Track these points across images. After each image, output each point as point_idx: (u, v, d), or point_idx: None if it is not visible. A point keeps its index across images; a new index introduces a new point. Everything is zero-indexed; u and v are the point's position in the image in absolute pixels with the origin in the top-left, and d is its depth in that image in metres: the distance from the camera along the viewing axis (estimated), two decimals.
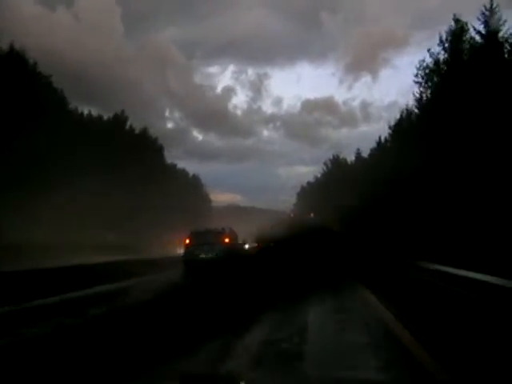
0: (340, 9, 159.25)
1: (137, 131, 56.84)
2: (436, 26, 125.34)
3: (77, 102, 51.90)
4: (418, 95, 32.23)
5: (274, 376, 4.24)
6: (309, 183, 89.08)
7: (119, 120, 53.88)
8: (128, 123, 55.14)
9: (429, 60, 28.13)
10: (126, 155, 48.43)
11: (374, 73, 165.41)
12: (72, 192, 36.53)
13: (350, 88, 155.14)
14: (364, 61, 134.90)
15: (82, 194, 38.01)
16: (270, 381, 3.52)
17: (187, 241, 18.72)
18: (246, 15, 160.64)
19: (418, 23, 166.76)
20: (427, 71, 27.67)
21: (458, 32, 25.29)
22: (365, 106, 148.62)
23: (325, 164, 71.99)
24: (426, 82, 28.71)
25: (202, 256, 17.92)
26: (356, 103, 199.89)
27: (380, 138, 59.27)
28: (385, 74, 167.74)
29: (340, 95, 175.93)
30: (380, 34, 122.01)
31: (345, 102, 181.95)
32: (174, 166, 76.65)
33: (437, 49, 27.65)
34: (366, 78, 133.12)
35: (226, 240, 19.10)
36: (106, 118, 54.63)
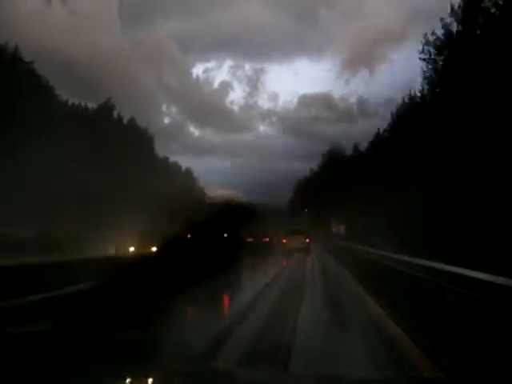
0: (337, 4, 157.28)
1: (125, 121, 54.48)
2: (433, 22, 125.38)
3: (71, 97, 50.55)
4: (425, 73, 29.51)
5: None
6: (305, 177, 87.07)
7: (105, 109, 51.49)
8: (116, 112, 52.80)
9: (440, 32, 25.93)
10: (111, 144, 46.03)
11: (371, 68, 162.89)
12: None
13: (347, 83, 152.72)
14: (361, 56, 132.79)
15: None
16: None
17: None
18: (243, 10, 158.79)
19: (416, 18, 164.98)
20: (438, 43, 25.36)
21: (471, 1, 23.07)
22: (362, 101, 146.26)
23: (322, 155, 70.10)
24: (435, 56, 26.30)
25: None
26: (353, 99, 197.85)
27: (379, 130, 57.16)
28: (382, 69, 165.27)
29: (337, 91, 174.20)
30: (377, 29, 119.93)
31: (342, 98, 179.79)
32: (166, 158, 74.49)
33: (448, 19, 25.65)
34: (363, 74, 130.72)
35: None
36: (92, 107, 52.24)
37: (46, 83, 45.20)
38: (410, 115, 38.03)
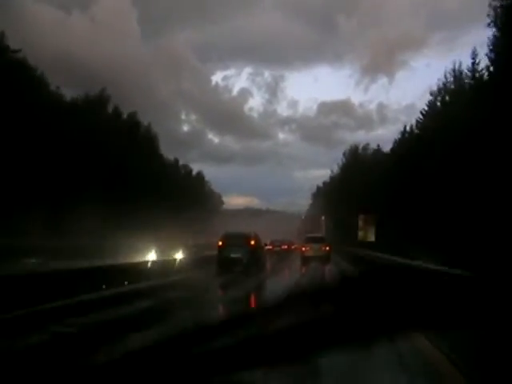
0: (356, 11, 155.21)
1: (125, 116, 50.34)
2: (453, 28, 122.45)
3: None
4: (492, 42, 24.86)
5: None
6: (325, 183, 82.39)
7: (100, 101, 47.31)
8: (111, 105, 48.70)
9: None
10: (106, 139, 41.87)
11: (391, 75, 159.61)
12: None
13: (366, 90, 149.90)
14: (380, 63, 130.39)
15: None
16: None
17: (220, 243, 21.79)
18: (262, 17, 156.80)
19: (435, 25, 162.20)
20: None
21: None
22: (381, 108, 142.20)
23: (343, 155, 64.95)
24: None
25: (232, 255, 20.88)
26: (372, 106, 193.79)
27: (405, 127, 52.01)
28: (402, 76, 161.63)
29: (356, 97, 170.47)
30: (397, 35, 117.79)
31: (361, 105, 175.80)
32: (177, 161, 70.21)
33: None
34: (383, 80, 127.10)
35: (252, 242, 21.91)
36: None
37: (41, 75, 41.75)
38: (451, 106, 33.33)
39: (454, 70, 36.15)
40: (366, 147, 60.27)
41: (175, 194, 60.72)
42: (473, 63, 33.54)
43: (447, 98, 37.09)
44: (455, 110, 30.30)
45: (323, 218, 53.93)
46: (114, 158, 44.23)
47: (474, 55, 32.94)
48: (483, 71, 31.37)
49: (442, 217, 29.44)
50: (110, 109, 49.62)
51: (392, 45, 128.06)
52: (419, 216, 32.25)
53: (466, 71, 34.41)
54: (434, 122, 36.31)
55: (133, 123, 51.02)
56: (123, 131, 47.98)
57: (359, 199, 48.28)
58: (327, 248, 29.74)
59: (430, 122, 38.42)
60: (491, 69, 27.49)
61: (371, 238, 38.49)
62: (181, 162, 69.87)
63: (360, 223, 39.81)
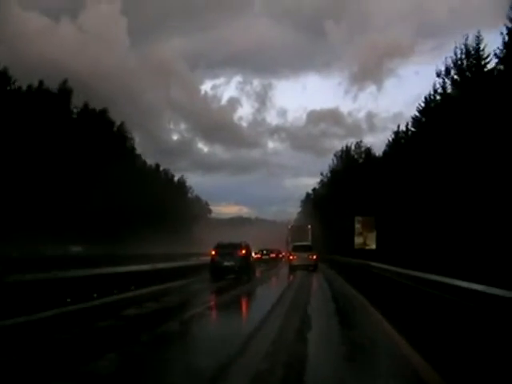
0: (345, 19, 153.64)
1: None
2: (441, 37, 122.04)
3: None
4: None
5: None
6: (314, 189, 78.86)
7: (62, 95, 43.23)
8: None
9: None
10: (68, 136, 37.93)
11: (380, 83, 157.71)
12: None
13: (355, 98, 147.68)
14: (369, 71, 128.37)
15: None
16: None
17: (213, 252, 22.96)
18: (250, 26, 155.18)
19: (424, 33, 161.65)
20: None
21: None
22: (370, 116, 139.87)
23: (335, 156, 60.78)
24: None
25: (225, 264, 22.18)
26: (361, 114, 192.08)
27: (399, 127, 48.56)
28: (390, 84, 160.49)
29: (345, 106, 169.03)
30: (385, 43, 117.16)
31: (350, 113, 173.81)
32: (157, 166, 65.83)
33: None
34: (372, 89, 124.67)
35: (243, 251, 23.11)
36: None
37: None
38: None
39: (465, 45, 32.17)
40: (359, 145, 56.83)
41: (154, 200, 56.92)
42: (477, 49, 30.64)
43: (457, 77, 33.72)
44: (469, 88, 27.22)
45: (309, 226, 49.65)
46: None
47: (479, 40, 30.17)
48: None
49: (448, 220, 26.21)
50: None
51: (380, 53, 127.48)
52: (424, 220, 28.81)
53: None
54: (439, 109, 32.83)
55: (105, 121, 46.99)
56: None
57: (353, 202, 44.76)
58: (314, 257, 29.94)
59: (433, 111, 35.04)
60: None
61: (371, 245, 31.91)
62: (175, 174, 67.90)
63: (357, 227, 32.37)
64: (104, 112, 47.78)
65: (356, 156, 55.77)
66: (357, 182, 46.71)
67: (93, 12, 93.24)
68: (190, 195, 78.52)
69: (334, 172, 59.21)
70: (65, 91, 43.48)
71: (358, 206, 43.70)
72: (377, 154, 53.56)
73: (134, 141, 55.01)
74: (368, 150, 54.52)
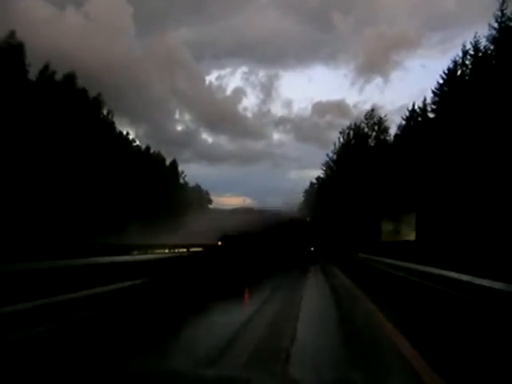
0: (352, 10, 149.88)
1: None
2: (449, 29, 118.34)
3: None
4: None
5: None
6: (318, 178, 73.14)
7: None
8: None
9: None
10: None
11: (386, 75, 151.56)
12: None
13: (361, 90, 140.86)
14: (375, 63, 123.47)
15: None
16: None
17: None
18: (256, 16, 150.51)
19: (431, 26, 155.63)
20: None
21: None
22: (376, 108, 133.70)
23: (341, 133, 52.99)
24: None
25: None
26: (367, 106, 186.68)
27: (414, 105, 42.68)
28: (396, 76, 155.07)
29: (351, 98, 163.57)
30: (392, 35, 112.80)
31: (355, 105, 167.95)
32: (148, 149, 60.20)
33: None
34: (378, 81, 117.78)
35: None
36: None
37: None
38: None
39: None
40: (370, 115, 49.83)
41: (140, 184, 51.66)
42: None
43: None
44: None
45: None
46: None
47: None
48: None
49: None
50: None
51: (387, 45, 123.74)
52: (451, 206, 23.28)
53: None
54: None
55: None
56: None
57: (364, 187, 39.27)
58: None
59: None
60: None
61: (409, 234, 23.33)
62: (180, 165, 63.19)
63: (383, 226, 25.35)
64: (72, 77, 42.11)
65: (367, 129, 49.82)
66: (368, 164, 41.19)
67: (98, 1, 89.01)
68: (181, 181, 73.06)
69: (340, 153, 52.80)
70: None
71: (369, 192, 38.61)
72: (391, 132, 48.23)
73: (112, 114, 49.28)
74: (381, 121, 48.76)
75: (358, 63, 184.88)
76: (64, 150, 38.33)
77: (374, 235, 28.85)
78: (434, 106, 37.94)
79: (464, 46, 29.73)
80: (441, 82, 35.29)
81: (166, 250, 29.39)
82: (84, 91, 42.37)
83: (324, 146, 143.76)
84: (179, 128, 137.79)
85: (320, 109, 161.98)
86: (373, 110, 51.17)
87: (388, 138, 48.78)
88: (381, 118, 49.73)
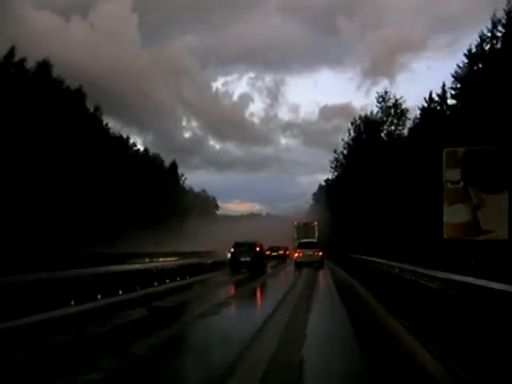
0: (357, 14, 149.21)
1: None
2: (455, 31, 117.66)
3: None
4: None
5: None
6: (327, 180, 69.61)
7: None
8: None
9: None
10: None
11: (392, 77, 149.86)
12: None
13: (367, 93, 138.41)
14: (381, 65, 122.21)
15: None
16: None
17: (232, 249, 27.19)
18: (262, 22, 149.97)
19: (437, 27, 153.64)
20: None
21: None
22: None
23: (352, 124, 47.99)
24: None
25: (242, 259, 26.39)
26: (374, 109, 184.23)
27: (431, 93, 38.53)
28: (402, 78, 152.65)
29: (358, 101, 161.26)
30: (398, 38, 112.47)
31: (362, 108, 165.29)
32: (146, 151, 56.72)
33: None
34: (384, 83, 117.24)
35: (257, 249, 27.57)
36: None
37: None
38: None
39: None
40: (383, 98, 43.80)
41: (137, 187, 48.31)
42: None
43: None
44: None
45: (315, 223, 46.96)
46: None
47: None
48: None
49: None
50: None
51: (393, 47, 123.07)
52: None
53: None
54: None
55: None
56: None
57: (377, 183, 35.55)
58: (320, 253, 30.40)
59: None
60: None
61: (498, 231, 14.00)
62: (180, 170, 64.93)
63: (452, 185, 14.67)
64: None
65: (381, 115, 44.67)
66: (381, 156, 37.46)
67: (103, 9, 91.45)
68: (181, 183, 69.77)
69: (351, 146, 48.54)
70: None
71: (383, 188, 35.04)
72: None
73: (101, 111, 45.87)
74: (397, 104, 43.54)
75: (363, 66, 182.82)
76: (53, 151, 35.04)
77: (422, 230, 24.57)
78: (453, 92, 34.29)
79: (494, 15, 26.01)
80: (465, 62, 31.59)
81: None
82: (60, 82, 38.71)
83: (332, 150, 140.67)
84: (186, 135, 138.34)
85: (327, 113, 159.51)
86: (386, 91, 45.29)
87: (409, 121, 43.33)
88: (396, 101, 44.22)
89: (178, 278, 19.57)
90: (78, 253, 28.49)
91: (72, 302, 11.02)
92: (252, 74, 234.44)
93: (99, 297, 12.46)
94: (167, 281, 18.28)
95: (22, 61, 35.22)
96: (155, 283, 17.03)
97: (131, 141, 57.23)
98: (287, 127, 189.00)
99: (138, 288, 15.13)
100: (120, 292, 13.80)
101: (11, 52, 34.52)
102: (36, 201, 33.10)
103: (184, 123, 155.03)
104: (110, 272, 15.30)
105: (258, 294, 17.25)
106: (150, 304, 12.10)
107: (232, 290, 18.26)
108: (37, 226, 32.76)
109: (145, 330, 8.54)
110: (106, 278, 14.05)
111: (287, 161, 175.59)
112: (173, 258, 36.58)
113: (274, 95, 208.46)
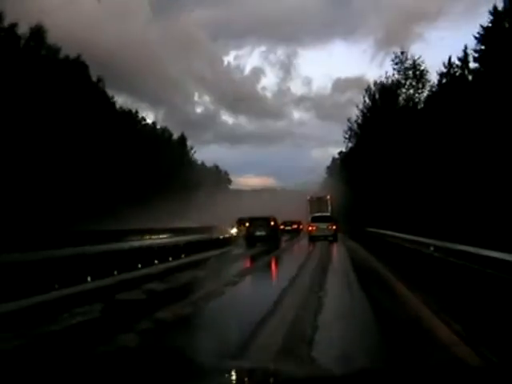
0: None
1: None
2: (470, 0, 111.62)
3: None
4: None
5: None
6: (340, 153, 67.65)
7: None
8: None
9: None
10: None
11: (406, 48, 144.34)
12: None
13: (381, 65, 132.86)
14: (395, 36, 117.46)
15: None
16: None
17: (247, 224, 28.93)
18: None
19: None
20: None
21: None
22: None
23: (366, 91, 44.71)
24: None
25: (257, 233, 27.42)
26: (387, 81, 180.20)
27: (450, 58, 35.68)
28: (417, 49, 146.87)
29: (371, 73, 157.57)
30: (411, 7, 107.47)
31: (376, 81, 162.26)
32: (154, 124, 55.16)
33: None
34: (398, 55, 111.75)
35: (272, 223, 28.64)
36: None
37: None
38: None
39: None
40: (400, 60, 39.67)
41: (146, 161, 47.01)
42: None
43: None
44: None
45: (329, 196, 45.96)
46: None
47: None
48: None
49: None
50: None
51: (406, 17, 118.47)
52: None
53: None
54: None
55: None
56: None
57: (394, 152, 33.72)
58: (333, 227, 30.51)
59: None
60: None
61: None
62: (189, 142, 63.67)
63: None
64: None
65: (398, 77, 41.20)
66: (397, 125, 35.54)
67: None
68: (191, 156, 68.22)
69: (366, 115, 46.10)
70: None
71: (400, 159, 33.30)
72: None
73: (104, 82, 44.31)
74: (416, 65, 39.65)
75: (377, 37, 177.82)
76: (53, 123, 33.65)
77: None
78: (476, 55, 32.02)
79: None
80: (488, 21, 29.29)
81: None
82: (56, 50, 37.05)
83: (345, 123, 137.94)
84: (198, 110, 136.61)
85: (340, 86, 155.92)
86: (402, 52, 41.06)
87: (429, 84, 39.96)
88: (414, 61, 40.26)
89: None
90: (92, 230, 27.55)
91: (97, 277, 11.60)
92: (264, 48, 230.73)
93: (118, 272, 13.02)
94: (182, 256, 19.04)
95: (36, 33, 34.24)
96: (170, 258, 17.58)
97: (141, 115, 55.64)
98: (300, 101, 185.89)
99: (156, 262, 16.03)
100: (139, 266, 14.58)
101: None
102: (37, 176, 31.95)
103: (196, 98, 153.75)
104: (132, 248, 17.74)
105: (273, 266, 17.88)
106: (173, 275, 13.13)
107: (248, 263, 18.82)
108: (38, 202, 31.70)
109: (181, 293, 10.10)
110: (128, 253, 15.99)
111: (300, 135, 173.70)
112: (164, 235, 32.86)
113: (286, 68, 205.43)
